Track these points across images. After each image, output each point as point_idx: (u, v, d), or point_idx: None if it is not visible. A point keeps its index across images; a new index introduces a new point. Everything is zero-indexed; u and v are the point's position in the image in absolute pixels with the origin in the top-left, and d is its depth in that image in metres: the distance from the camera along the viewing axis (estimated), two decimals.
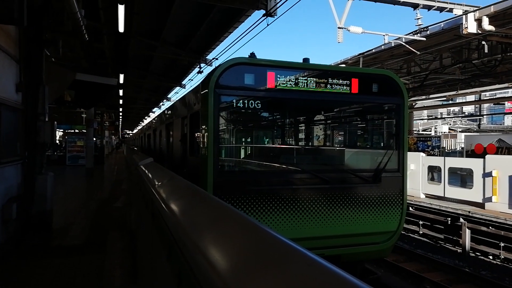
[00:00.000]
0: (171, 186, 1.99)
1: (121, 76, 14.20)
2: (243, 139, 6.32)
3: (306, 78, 5.38)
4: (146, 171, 2.84)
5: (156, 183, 2.16)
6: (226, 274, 0.77)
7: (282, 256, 0.77)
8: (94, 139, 20.72)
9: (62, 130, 31.12)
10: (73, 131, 29.36)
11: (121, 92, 18.79)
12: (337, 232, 5.48)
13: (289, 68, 5.33)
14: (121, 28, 8.50)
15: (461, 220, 10.10)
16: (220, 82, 5.01)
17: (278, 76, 5.22)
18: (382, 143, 6.59)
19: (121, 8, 7.59)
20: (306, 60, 5.82)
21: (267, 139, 6.69)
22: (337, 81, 5.52)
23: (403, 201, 5.88)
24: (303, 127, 6.80)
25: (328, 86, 5.48)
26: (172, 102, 12.26)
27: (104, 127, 27.75)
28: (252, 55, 5.55)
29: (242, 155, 6.11)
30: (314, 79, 5.41)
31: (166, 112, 10.13)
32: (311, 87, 5.39)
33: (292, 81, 5.30)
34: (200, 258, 0.95)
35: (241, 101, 5.20)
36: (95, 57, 11.76)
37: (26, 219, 6.36)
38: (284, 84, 5.26)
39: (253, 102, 5.19)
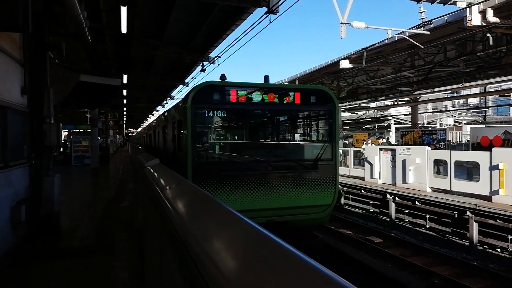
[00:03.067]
0: (179, 191, 2.00)
1: (125, 77, 14.22)
2: (213, 139, 7.97)
3: (260, 93, 7.12)
4: (154, 174, 2.85)
5: (165, 186, 2.17)
6: (232, 277, 0.83)
7: (283, 260, 0.83)
8: (99, 138, 20.82)
9: (66, 130, 31.28)
10: (77, 131, 29.49)
11: (124, 92, 18.83)
12: (285, 204, 7.16)
13: (247, 87, 7.15)
14: (123, 29, 8.51)
15: (468, 213, 10.05)
16: (195, 99, 6.79)
17: (239, 92, 6.97)
18: (319, 139, 8.28)
19: (123, 10, 7.59)
20: (266, 77, 7.81)
21: (232, 138, 8.32)
22: (284, 95, 7.27)
23: (336, 182, 7.64)
24: (259, 128, 8.55)
25: (277, 99, 7.21)
26: (166, 109, 14.19)
27: (109, 127, 27.87)
28: (223, 76, 7.38)
29: (213, 151, 7.85)
30: (266, 94, 7.15)
31: (162, 117, 12.34)
32: (264, 100, 7.13)
33: (249, 96, 7.07)
34: (207, 262, 0.99)
35: (211, 112, 7.10)
36: (98, 58, 11.79)
37: (34, 221, 6.42)
38: (243, 98, 7.03)
39: (220, 112, 7.14)
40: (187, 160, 6.79)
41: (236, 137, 8.28)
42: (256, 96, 7.07)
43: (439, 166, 13.51)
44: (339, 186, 8.11)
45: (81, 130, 28.85)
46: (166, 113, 10.89)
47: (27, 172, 6.46)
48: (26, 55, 6.25)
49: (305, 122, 8.71)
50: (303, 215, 7.35)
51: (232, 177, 6.88)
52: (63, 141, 28.69)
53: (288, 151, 8.30)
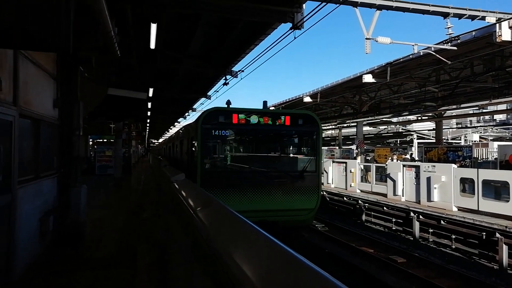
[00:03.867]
0: (212, 212, 2.01)
1: (150, 90, 14.51)
2: (219, 153, 9.49)
3: (257, 116, 8.76)
4: (183, 192, 2.88)
5: (196, 207, 2.20)
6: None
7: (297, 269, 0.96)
8: (123, 149, 21.23)
9: (91, 139, 32.02)
10: (101, 140, 30.13)
11: (149, 105, 19.22)
12: (276, 207, 8.59)
13: (246, 112, 8.74)
14: (152, 45, 8.73)
15: (498, 235, 9.67)
16: (205, 120, 8.52)
17: (239, 116, 8.63)
18: (306, 154, 9.72)
19: (153, 27, 7.80)
20: (264, 102, 10.02)
21: (234, 152, 9.77)
22: (277, 118, 8.90)
23: (319, 190, 9.18)
24: (256, 144, 9.85)
25: (271, 121, 8.83)
26: (183, 126, 16.29)
27: (131, 137, 28.41)
28: (228, 102, 9.37)
29: (218, 162, 9.43)
30: (262, 117, 8.79)
31: (179, 132, 14.71)
32: (260, 122, 8.77)
33: (248, 118, 8.70)
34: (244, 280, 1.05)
35: (217, 131, 8.74)
36: (124, 71, 12.10)
37: (60, 230, 6.56)
38: (243, 120, 8.65)
39: (224, 131, 8.84)
40: (197, 169, 8.44)
41: (237, 151, 9.87)
42: (254, 119, 8.76)
43: (465, 184, 13.10)
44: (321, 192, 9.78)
45: (105, 140, 29.49)
46: (183, 130, 13.21)
47: (56, 182, 6.64)
48: (59, 69, 6.48)
49: (294, 140, 10.28)
50: (291, 217, 8.82)
51: (234, 183, 8.53)
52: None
53: (280, 163, 9.78)
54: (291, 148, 10.27)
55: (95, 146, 27.63)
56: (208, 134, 8.69)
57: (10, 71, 4.60)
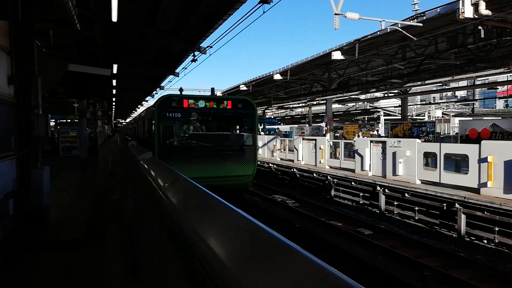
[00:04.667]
0: (178, 188, 1.95)
1: (115, 66, 13.91)
2: (173, 131, 11.25)
3: (204, 101, 10.75)
4: (150, 170, 2.79)
5: (162, 184, 2.14)
6: (232, 265, 0.88)
7: (274, 250, 0.91)
8: (88, 129, 20.48)
9: (54, 120, 30.61)
10: (65, 121, 28.89)
11: (114, 82, 18.47)
12: (221, 174, 10.56)
13: (195, 98, 10.76)
14: (114, 18, 8.28)
15: (457, 205, 10.19)
16: (160, 105, 10.48)
17: (189, 101, 10.58)
18: (245, 132, 11.74)
19: None
20: (212, 89, 13.10)
21: (185, 130, 11.67)
22: (220, 102, 10.99)
23: (255, 160, 11.42)
24: (204, 124, 11.90)
25: (215, 105, 10.85)
26: (144, 109, 18.17)
27: (97, 117, 27.40)
28: (181, 89, 12.70)
29: (173, 139, 11.29)
30: (208, 102, 10.80)
31: (142, 114, 16.73)
32: (206, 106, 10.73)
33: (196, 103, 10.63)
34: (203, 247, 1.04)
35: (171, 114, 10.57)
36: (86, 46, 11.50)
37: (22, 214, 6.28)
38: (192, 105, 10.59)
39: (177, 114, 10.67)
40: (155, 145, 10.34)
41: (188, 130, 11.71)
42: (201, 104, 10.67)
43: (428, 159, 13.65)
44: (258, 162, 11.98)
45: (69, 120, 28.29)
46: (145, 112, 15.37)
47: (15, 164, 6.29)
48: (13, 43, 6.02)
49: (235, 120, 12.10)
50: (233, 181, 10.77)
51: (186, 156, 10.50)
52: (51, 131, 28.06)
53: (223, 139, 11.79)
54: (232, 127, 12.21)
55: (59, 127, 26.47)
56: (163, 117, 10.47)
57: None
